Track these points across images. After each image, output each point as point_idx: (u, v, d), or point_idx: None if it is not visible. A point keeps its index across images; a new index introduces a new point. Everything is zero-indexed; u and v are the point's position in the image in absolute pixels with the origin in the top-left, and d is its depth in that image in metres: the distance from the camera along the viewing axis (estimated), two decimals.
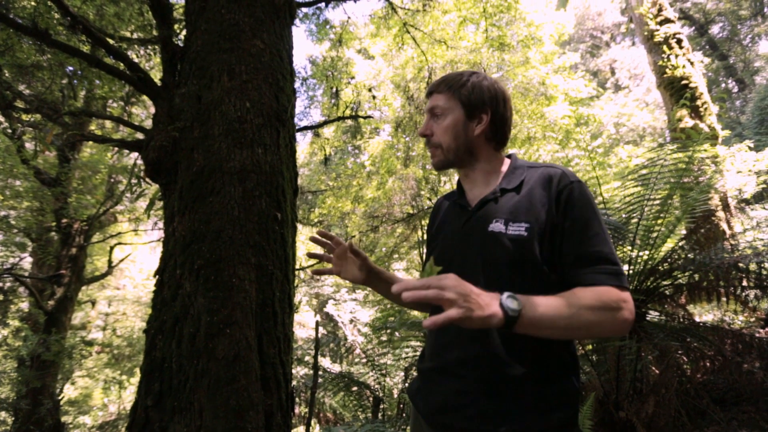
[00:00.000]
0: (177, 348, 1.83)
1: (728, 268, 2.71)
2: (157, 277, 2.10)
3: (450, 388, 0.90)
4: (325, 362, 5.88)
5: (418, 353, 3.90)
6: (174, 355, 1.82)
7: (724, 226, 5.52)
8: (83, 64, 3.48)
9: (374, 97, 9.11)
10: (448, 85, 1.02)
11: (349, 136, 12.44)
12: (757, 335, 3.18)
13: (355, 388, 4.30)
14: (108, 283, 11.16)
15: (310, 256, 1.18)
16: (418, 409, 0.97)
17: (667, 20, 6.86)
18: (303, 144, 13.36)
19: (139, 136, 4.24)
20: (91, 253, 8.72)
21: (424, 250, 1.26)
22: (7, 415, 6.04)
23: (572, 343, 0.92)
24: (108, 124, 7.45)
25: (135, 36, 4.25)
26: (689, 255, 3.06)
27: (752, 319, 3.78)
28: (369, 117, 5.12)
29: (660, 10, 6.89)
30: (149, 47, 4.29)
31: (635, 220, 3.00)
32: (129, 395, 10.99)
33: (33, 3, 3.46)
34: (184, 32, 2.92)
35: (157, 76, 4.54)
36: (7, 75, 3.81)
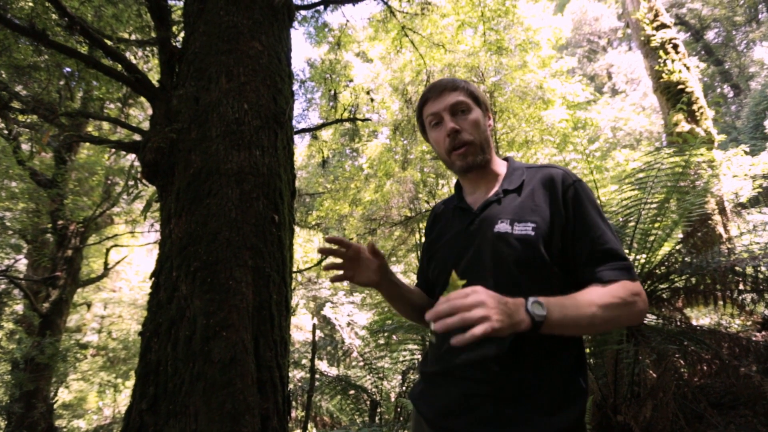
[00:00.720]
0: (172, 351, 1.81)
1: (725, 271, 2.71)
2: (153, 279, 2.08)
3: (456, 391, 0.89)
4: (322, 365, 5.85)
5: (415, 356, 3.88)
6: (169, 358, 1.80)
7: (720, 229, 5.55)
8: (81, 65, 3.47)
9: (372, 100, 9.12)
10: (457, 85, 1.01)
11: (347, 139, 12.46)
12: (754, 339, 3.19)
13: (352, 392, 4.28)
14: (104, 286, 11.09)
15: (321, 252, 1.04)
16: (422, 414, 0.96)
17: (664, 25, 6.91)
18: (301, 146, 13.37)
19: (137, 137, 4.22)
20: (87, 255, 8.67)
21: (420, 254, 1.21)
22: (0, 419, 5.97)
23: (579, 344, 0.93)
24: (105, 125, 7.43)
25: (133, 37, 4.24)
26: (686, 258, 3.07)
27: (749, 323, 3.79)
28: (367, 120, 5.13)
29: (656, 15, 6.95)
30: (147, 49, 4.28)
31: (632, 223, 3.00)
32: (124, 399, 10.90)
33: (30, 3, 3.45)
34: (182, 34, 2.92)
35: (154, 77, 4.54)
36: (3, 75, 3.79)
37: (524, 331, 0.72)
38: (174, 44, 2.67)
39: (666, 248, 3.22)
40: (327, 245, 1.02)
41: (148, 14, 3.28)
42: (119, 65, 2.62)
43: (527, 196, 0.94)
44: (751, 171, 6.15)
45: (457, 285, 0.75)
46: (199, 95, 2.32)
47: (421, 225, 7.95)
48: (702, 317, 4.33)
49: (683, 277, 2.97)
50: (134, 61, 4.15)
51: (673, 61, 6.50)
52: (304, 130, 4.60)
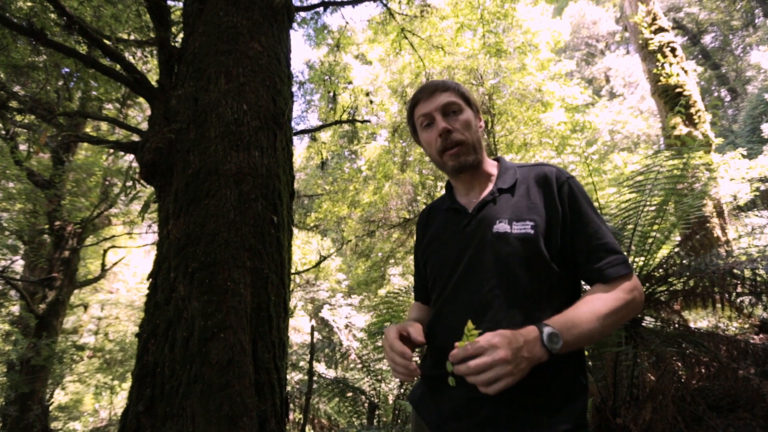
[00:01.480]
0: (170, 352, 1.80)
1: (723, 274, 2.71)
2: (150, 280, 2.07)
3: (459, 395, 0.88)
4: (320, 367, 5.83)
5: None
6: (167, 359, 1.79)
7: (718, 232, 5.56)
8: (79, 65, 3.46)
9: (371, 102, 9.13)
10: (448, 86, 1.01)
11: (346, 141, 12.47)
12: (752, 341, 3.19)
13: (350, 394, 4.26)
14: (101, 287, 11.03)
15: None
16: (424, 417, 0.95)
17: (662, 29, 6.95)
18: (300, 148, 13.37)
19: (135, 137, 4.21)
20: (84, 256, 8.63)
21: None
22: None
23: None
24: (103, 125, 7.41)
25: (132, 37, 4.24)
26: (684, 261, 3.07)
27: (747, 326, 3.79)
28: (366, 121, 5.13)
29: (654, 19, 6.99)
30: (146, 49, 4.27)
31: (631, 226, 3.01)
32: (120, 401, 10.83)
33: (29, 3, 3.44)
34: (181, 34, 2.92)
35: (153, 77, 4.53)
36: (1, 75, 3.78)
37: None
38: (173, 44, 2.66)
39: (664, 251, 3.22)
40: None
41: (148, 14, 3.28)
42: (118, 65, 2.61)
43: (523, 195, 0.94)
44: (748, 174, 6.18)
45: (472, 334, 0.75)
46: (198, 96, 2.32)
47: None
48: (700, 320, 4.34)
49: (681, 280, 2.97)
50: (133, 62, 4.14)
51: (671, 64, 6.54)
52: (303, 132, 4.60)
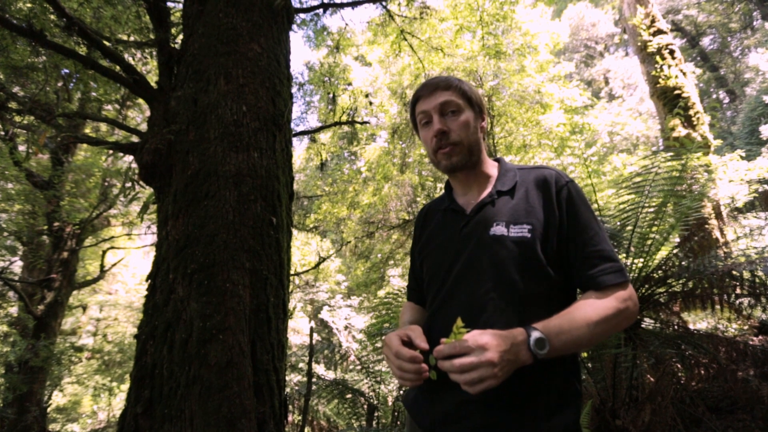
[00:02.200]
0: (168, 354, 1.79)
1: (722, 275, 2.72)
2: (149, 281, 2.07)
3: (451, 399, 0.88)
4: (319, 369, 5.82)
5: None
6: (165, 361, 1.79)
7: (717, 234, 5.57)
8: (79, 66, 3.46)
9: (371, 104, 9.14)
10: (450, 84, 0.99)
11: (345, 142, 12.46)
12: (751, 343, 3.19)
13: (349, 396, 4.25)
14: (100, 288, 11.01)
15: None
16: (417, 420, 0.95)
17: (660, 31, 6.97)
18: (299, 149, 13.37)
19: (134, 139, 4.22)
20: (83, 257, 8.61)
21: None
22: None
23: None
24: (103, 126, 7.41)
25: (132, 39, 4.24)
26: (683, 263, 3.07)
27: (746, 327, 3.80)
28: (366, 123, 5.13)
29: (653, 21, 7.01)
30: (146, 50, 4.28)
31: (630, 227, 3.01)
32: (119, 402, 10.79)
33: (29, 4, 3.44)
34: (181, 36, 2.92)
35: (153, 79, 4.53)
36: (1, 76, 3.78)
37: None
38: (173, 46, 2.67)
39: (663, 252, 3.23)
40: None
41: (147, 16, 3.28)
42: (117, 66, 2.61)
43: (521, 198, 0.93)
44: (746, 176, 6.19)
45: (461, 332, 0.75)
46: (197, 97, 2.32)
47: None
48: (699, 321, 4.34)
49: (680, 281, 2.97)
50: (133, 63, 4.14)
51: (669, 66, 6.56)
52: (302, 133, 4.60)
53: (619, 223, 3.12)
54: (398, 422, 3.78)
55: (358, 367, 4.60)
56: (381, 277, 9.63)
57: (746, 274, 2.75)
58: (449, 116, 0.98)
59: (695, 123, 6.27)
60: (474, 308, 0.88)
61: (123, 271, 12.68)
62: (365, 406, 4.14)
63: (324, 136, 11.26)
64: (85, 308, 10.37)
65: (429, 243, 1.05)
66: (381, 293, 8.72)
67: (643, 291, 3.04)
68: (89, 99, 5.33)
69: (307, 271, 9.83)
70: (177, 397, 1.70)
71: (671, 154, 3.12)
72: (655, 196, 2.98)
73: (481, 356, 0.71)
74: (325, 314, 6.66)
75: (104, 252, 8.07)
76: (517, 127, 7.46)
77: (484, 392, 0.84)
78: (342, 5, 4.09)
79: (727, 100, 19.06)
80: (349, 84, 9.79)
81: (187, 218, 2.04)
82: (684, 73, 6.64)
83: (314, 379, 4.28)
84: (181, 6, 3.62)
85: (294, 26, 3.28)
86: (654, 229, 2.97)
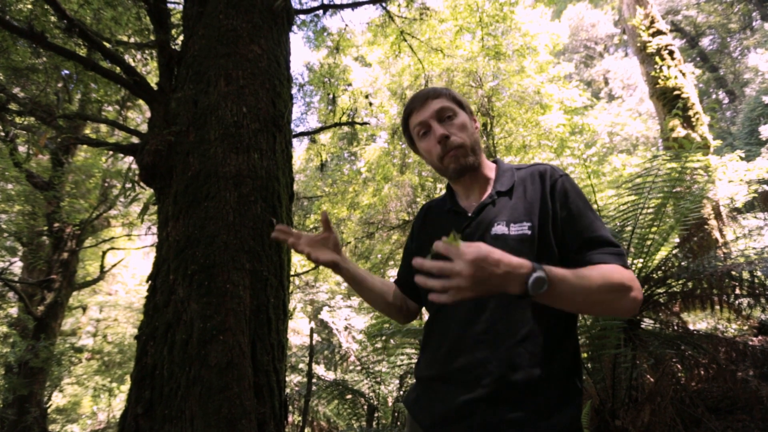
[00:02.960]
0: (169, 355, 1.80)
1: (721, 276, 2.72)
2: (149, 282, 2.07)
3: (452, 397, 0.88)
4: (319, 370, 5.82)
5: (413, 361, 3.87)
6: (165, 361, 1.79)
7: (716, 234, 5.57)
8: (79, 68, 3.47)
9: (371, 104, 9.16)
10: (439, 93, 1.02)
11: (345, 143, 12.47)
12: (751, 343, 3.19)
13: (349, 396, 4.25)
14: (99, 289, 11.01)
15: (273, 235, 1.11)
16: (418, 421, 0.95)
17: (660, 32, 6.98)
18: (299, 150, 13.37)
19: (135, 140, 4.22)
20: (83, 258, 8.61)
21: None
22: None
23: (576, 344, 0.93)
24: (103, 127, 7.41)
25: (132, 40, 4.25)
26: (683, 263, 3.08)
27: (745, 327, 3.80)
28: (365, 124, 5.15)
29: (652, 22, 7.02)
30: (146, 51, 4.28)
31: (629, 228, 3.02)
32: (119, 403, 10.79)
33: (29, 6, 3.45)
34: (181, 37, 2.93)
35: (153, 80, 4.54)
36: (1, 77, 3.78)
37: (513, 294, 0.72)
38: (173, 47, 2.67)
39: (663, 253, 3.23)
40: (278, 237, 1.08)
41: (147, 17, 3.29)
42: (118, 68, 2.62)
43: (520, 197, 0.95)
44: (746, 176, 6.19)
45: (456, 241, 0.70)
46: (197, 98, 2.32)
47: None
48: (699, 322, 4.34)
49: (680, 282, 2.98)
50: (133, 64, 4.15)
51: (669, 67, 6.57)
52: (302, 134, 4.61)
53: (619, 224, 3.13)
54: (398, 423, 3.78)
55: (358, 368, 4.60)
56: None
57: (746, 275, 2.75)
58: (447, 121, 1.00)
59: (695, 123, 6.28)
60: (475, 307, 0.89)
61: (123, 272, 12.68)
62: (365, 407, 4.14)
63: (324, 137, 11.27)
64: (85, 309, 10.37)
65: (426, 243, 1.05)
66: None
67: (643, 291, 3.04)
68: (89, 100, 5.34)
69: (307, 271, 9.83)
70: (177, 397, 1.71)
71: (671, 155, 3.13)
72: (655, 196, 2.98)
73: (458, 266, 0.67)
74: (325, 315, 6.66)
75: (104, 253, 8.07)
76: (516, 127, 7.47)
77: (486, 389, 0.84)
78: (342, 6, 4.10)
79: (726, 101, 19.08)
80: (349, 85, 9.80)
81: (187, 219, 2.04)
82: (683, 74, 6.65)
83: (314, 380, 4.29)
84: (181, 7, 3.63)
85: (294, 27, 3.29)
86: (654, 229, 2.98)
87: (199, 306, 1.84)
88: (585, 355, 2.69)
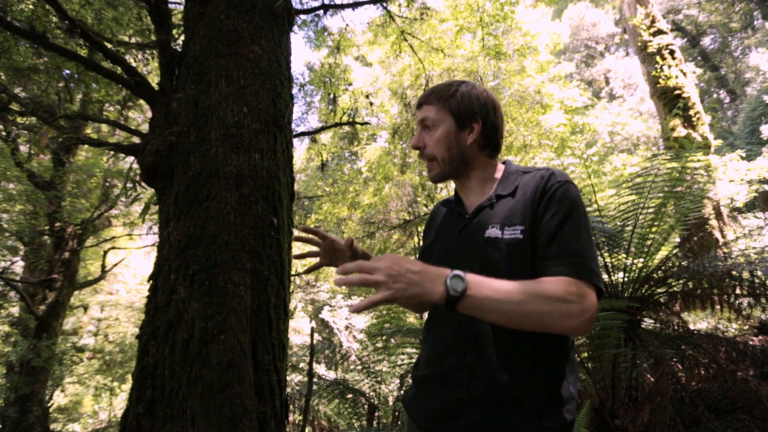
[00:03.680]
0: (170, 354, 1.81)
1: (722, 276, 2.73)
2: (151, 281, 2.08)
3: (446, 396, 0.89)
4: (320, 369, 5.83)
5: (413, 360, 3.88)
6: (167, 361, 1.80)
7: (717, 234, 5.57)
8: (80, 68, 3.48)
9: (371, 104, 9.16)
10: (437, 96, 1.02)
11: (346, 143, 12.48)
12: (751, 343, 3.19)
13: (350, 396, 4.26)
14: (101, 288, 11.03)
15: (297, 257, 1.17)
16: (412, 418, 0.97)
17: (660, 31, 6.98)
18: (300, 149, 13.38)
19: (136, 140, 4.23)
20: (85, 258, 8.63)
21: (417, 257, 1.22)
22: None
23: (570, 349, 0.92)
24: (104, 127, 7.42)
25: (133, 40, 4.25)
26: (683, 263, 3.08)
27: (746, 327, 3.80)
28: (366, 123, 5.15)
29: (653, 21, 7.02)
30: (147, 52, 4.29)
31: (630, 228, 3.02)
32: (120, 402, 10.82)
33: (31, 6, 3.46)
34: (182, 37, 2.93)
35: (154, 80, 4.55)
36: (3, 77, 3.79)
37: (440, 304, 0.72)
38: (174, 47, 2.68)
39: (663, 252, 3.23)
40: (301, 237, 1.11)
41: (149, 17, 3.29)
42: (119, 68, 2.63)
43: (518, 200, 0.94)
44: (747, 176, 6.19)
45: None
46: (198, 98, 2.33)
47: (419, 228, 7.96)
48: (699, 321, 4.35)
49: (680, 282, 2.98)
50: (134, 64, 4.16)
51: (669, 66, 6.56)
52: (303, 134, 4.61)
53: (619, 224, 3.13)
54: (398, 422, 3.79)
55: (359, 367, 4.61)
56: None
57: (746, 275, 2.75)
58: (425, 132, 1.03)
59: (695, 123, 6.27)
60: None
61: (124, 272, 12.71)
62: (366, 406, 4.15)
63: (324, 137, 11.28)
64: (86, 308, 10.39)
65: (435, 243, 1.08)
66: None
67: (643, 291, 3.05)
68: (91, 100, 5.35)
69: (307, 271, 9.83)
70: (179, 397, 1.72)
71: (671, 154, 3.14)
72: (655, 196, 2.99)
73: (379, 263, 0.72)
74: (325, 314, 6.67)
75: (105, 252, 8.09)
76: (517, 127, 7.47)
77: (476, 391, 0.85)
78: (342, 6, 4.10)
79: (727, 100, 19.04)
80: (350, 84, 9.80)
81: (188, 219, 2.05)
82: (684, 74, 6.65)
83: (315, 379, 4.29)
84: (182, 8, 3.64)
85: (295, 27, 3.29)
86: (654, 229, 2.98)
87: (201, 305, 1.85)
88: (585, 354, 2.70)
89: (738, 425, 2.40)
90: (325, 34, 6.78)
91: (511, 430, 0.83)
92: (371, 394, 4.20)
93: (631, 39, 7.64)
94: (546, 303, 0.75)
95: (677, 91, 6.47)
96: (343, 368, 5.53)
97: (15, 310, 7.21)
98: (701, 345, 2.67)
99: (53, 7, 2.43)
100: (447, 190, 8.56)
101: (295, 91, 4.52)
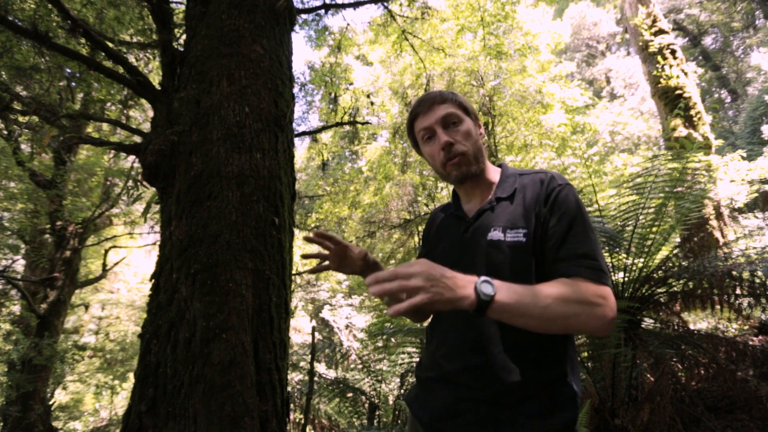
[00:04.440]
0: (172, 353, 1.82)
1: (722, 276, 2.73)
2: (153, 280, 2.09)
3: (449, 396, 0.90)
4: (320, 368, 5.84)
5: (414, 359, 3.89)
6: (169, 359, 1.81)
7: (717, 234, 5.57)
8: (82, 67, 3.48)
9: (372, 104, 9.16)
10: (444, 97, 1.02)
11: (346, 142, 12.49)
12: (751, 343, 3.20)
13: (350, 395, 4.28)
14: (102, 287, 11.06)
15: (304, 257, 1.16)
16: (417, 417, 0.97)
17: (662, 31, 6.97)
18: (301, 149, 13.39)
19: (137, 139, 4.23)
20: (86, 257, 8.65)
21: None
22: None
23: (573, 348, 0.93)
24: (105, 127, 7.43)
25: (135, 40, 4.26)
26: (683, 263, 3.09)
27: (746, 327, 3.81)
28: (367, 123, 5.15)
29: (654, 21, 7.01)
30: (149, 51, 4.30)
31: (630, 228, 3.02)
32: (121, 400, 10.85)
33: (33, 5, 3.46)
34: (184, 37, 2.94)
35: (156, 80, 4.55)
36: (5, 77, 3.80)
37: (470, 309, 0.72)
38: (175, 47, 2.69)
39: (664, 252, 3.24)
40: (313, 239, 1.10)
41: (150, 17, 3.30)
42: (121, 67, 2.63)
43: (519, 203, 0.95)
44: (747, 176, 6.19)
45: None
46: (200, 98, 2.34)
47: (420, 228, 7.97)
48: (699, 321, 4.35)
49: (681, 282, 2.98)
50: (136, 64, 4.16)
51: (671, 66, 6.56)
52: (304, 133, 4.62)
53: (619, 224, 3.13)
54: (399, 421, 3.80)
55: (359, 366, 4.62)
56: None
57: (746, 275, 2.76)
58: (452, 128, 1.00)
59: (696, 123, 6.27)
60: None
61: (125, 270, 12.73)
62: (366, 405, 4.16)
63: (325, 136, 11.28)
64: (87, 307, 10.41)
65: (435, 248, 1.08)
66: None
67: (644, 291, 3.05)
68: (92, 99, 5.35)
69: (309, 271, 9.84)
70: (181, 395, 1.73)
71: (672, 154, 3.14)
72: (656, 196, 2.99)
73: (414, 267, 0.71)
74: (326, 313, 6.68)
75: (106, 251, 8.10)
76: (518, 126, 7.47)
77: (481, 391, 0.86)
78: (343, 6, 4.10)
79: (728, 100, 19.01)
80: (351, 84, 9.80)
81: (190, 219, 2.06)
82: (685, 73, 6.64)
83: (316, 378, 4.30)
84: (184, 7, 3.64)
85: (296, 27, 3.30)
86: (654, 229, 2.98)
87: (202, 305, 1.85)
88: (585, 354, 2.71)
89: (737, 425, 2.40)
90: (326, 33, 6.78)
91: (516, 428, 0.84)
92: (372, 393, 4.21)
93: (632, 38, 7.63)
94: (572, 306, 0.76)
95: (678, 91, 6.47)
96: (343, 367, 5.54)
97: (16, 309, 7.23)
98: (701, 345, 2.68)
99: (55, 6, 2.43)
100: (447, 190, 8.56)
101: (296, 90, 4.52)
